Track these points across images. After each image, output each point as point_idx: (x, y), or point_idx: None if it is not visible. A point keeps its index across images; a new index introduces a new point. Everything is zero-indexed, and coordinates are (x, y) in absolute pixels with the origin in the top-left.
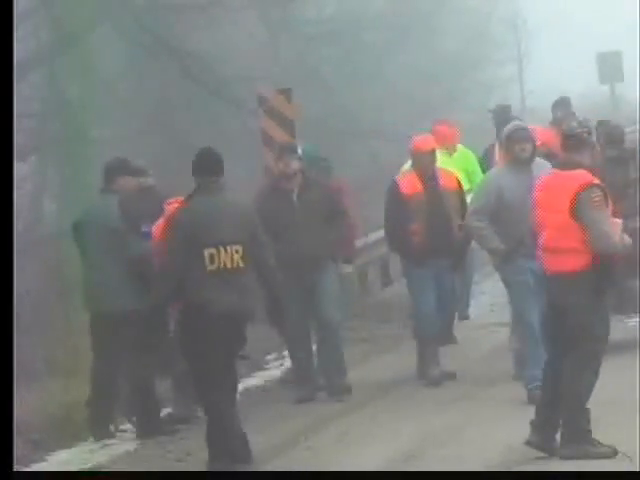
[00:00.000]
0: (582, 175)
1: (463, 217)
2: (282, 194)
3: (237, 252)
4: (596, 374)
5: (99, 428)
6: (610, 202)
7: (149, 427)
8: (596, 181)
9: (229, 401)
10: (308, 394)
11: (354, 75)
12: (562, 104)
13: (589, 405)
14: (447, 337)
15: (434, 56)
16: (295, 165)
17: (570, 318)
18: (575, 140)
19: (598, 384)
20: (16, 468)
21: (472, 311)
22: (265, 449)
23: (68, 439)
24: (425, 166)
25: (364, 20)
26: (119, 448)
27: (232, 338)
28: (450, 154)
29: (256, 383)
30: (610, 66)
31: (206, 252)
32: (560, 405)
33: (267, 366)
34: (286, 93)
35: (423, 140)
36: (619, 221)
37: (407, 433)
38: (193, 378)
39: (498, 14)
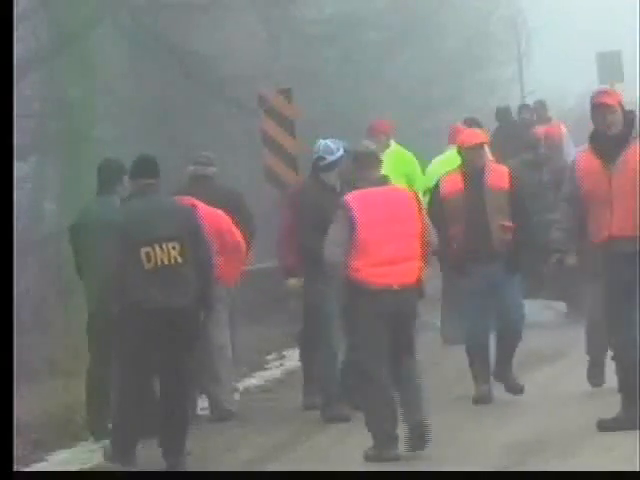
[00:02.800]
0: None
1: (514, 218)
2: (325, 187)
3: (174, 248)
4: None
5: (99, 428)
6: None
7: (149, 427)
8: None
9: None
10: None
11: (354, 75)
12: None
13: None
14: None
15: (434, 56)
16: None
17: None
18: (373, 157)
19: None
20: (16, 468)
21: None
22: (265, 449)
23: (68, 439)
24: (470, 162)
25: (364, 20)
26: None
27: (175, 333)
28: (381, 152)
29: (256, 383)
30: (610, 66)
31: (142, 251)
32: None
33: (267, 366)
34: (286, 93)
35: (469, 134)
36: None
37: None
38: (119, 373)
39: (498, 14)
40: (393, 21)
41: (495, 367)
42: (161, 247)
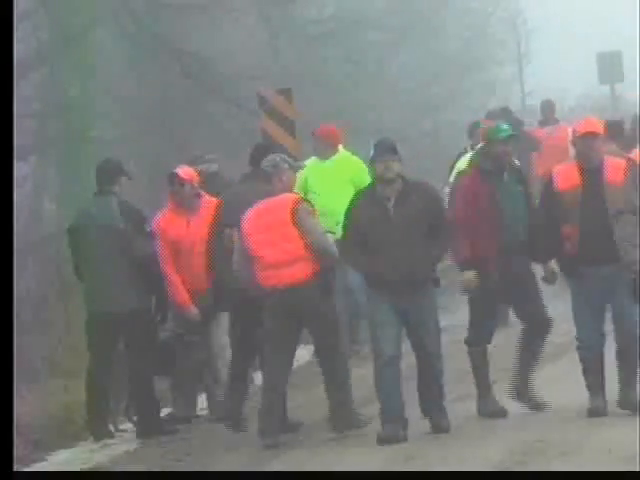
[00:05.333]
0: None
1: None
2: (376, 201)
3: None
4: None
5: (99, 428)
6: None
7: (149, 427)
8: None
9: None
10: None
11: (354, 75)
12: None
13: None
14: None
15: (434, 56)
16: (396, 167)
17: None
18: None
19: None
20: (16, 468)
21: None
22: (265, 449)
23: (68, 439)
24: (588, 154)
25: (365, 20)
26: (119, 448)
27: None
28: (327, 158)
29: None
30: (610, 66)
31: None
32: None
33: None
34: (286, 93)
35: (587, 122)
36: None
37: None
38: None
39: (498, 14)
40: (393, 21)
41: (618, 381)
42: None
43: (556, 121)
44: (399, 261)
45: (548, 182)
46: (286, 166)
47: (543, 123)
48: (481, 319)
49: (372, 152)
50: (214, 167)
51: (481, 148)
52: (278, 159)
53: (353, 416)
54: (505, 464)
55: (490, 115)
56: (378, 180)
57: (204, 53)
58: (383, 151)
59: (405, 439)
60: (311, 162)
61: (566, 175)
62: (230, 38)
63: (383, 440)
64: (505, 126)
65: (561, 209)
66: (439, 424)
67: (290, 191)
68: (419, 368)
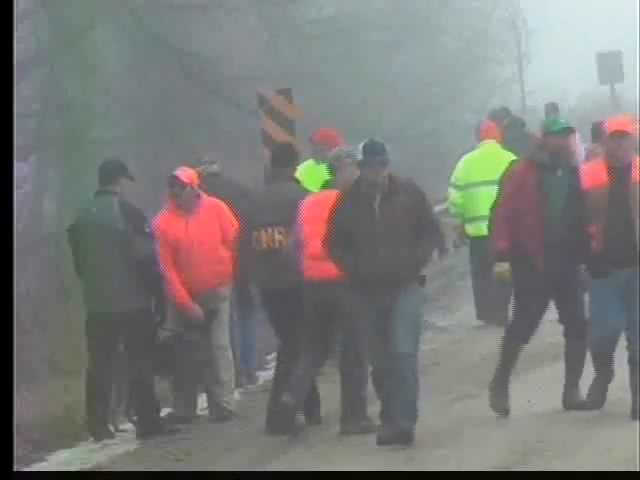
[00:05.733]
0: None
1: None
2: (362, 201)
3: (280, 233)
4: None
5: (99, 428)
6: None
7: (149, 427)
8: None
9: None
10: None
11: (354, 75)
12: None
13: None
14: None
15: (434, 56)
16: (385, 171)
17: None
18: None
19: None
20: (16, 468)
21: (472, 311)
22: (265, 449)
23: (68, 439)
24: (617, 153)
25: (364, 20)
26: (119, 448)
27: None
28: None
29: (260, 383)
30: (610, 66)
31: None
32: None
33: (267, 366)
34: (286, 93)
35: (617, 121)
36: None
37: None
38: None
39: (498, 14)
40: (393, 21)
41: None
42: (266, 231)
43: None
44: (384, 261)
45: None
46: (349, 160)
47: None
48: (524, 315)
49: (361, 154)
50: (214, 168)
51: (537, 141)
52: (341, 153)
53: (365, 420)
54: (505, 464)
55: (495, 114)
56: (368, 183)
57: (204, 53)
58: (373, 155)
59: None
60: (308, 165)
61: (593, 173)
62: (230, 38)
63: (383, 441)
64: (562, 120)
65: (587, 208)
66: (405, 429)
67: (349, 185)
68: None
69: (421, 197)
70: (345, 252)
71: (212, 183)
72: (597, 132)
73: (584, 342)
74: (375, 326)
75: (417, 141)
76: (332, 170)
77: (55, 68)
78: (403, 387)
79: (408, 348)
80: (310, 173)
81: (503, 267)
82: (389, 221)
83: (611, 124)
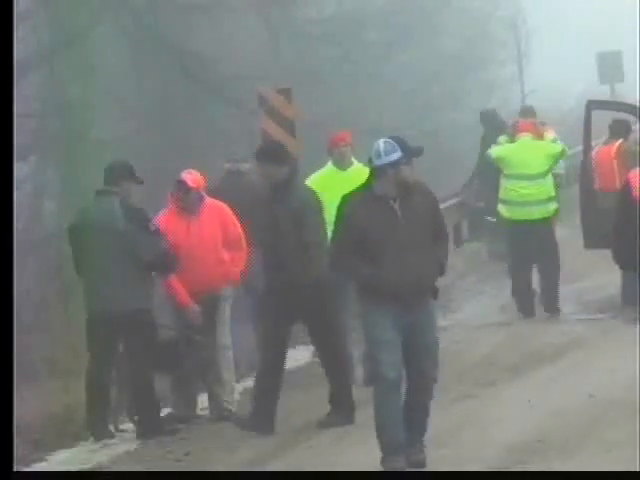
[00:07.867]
0: None
1: None
2: (379, 202)
3: None
4: None
5: (99, 428)
6: None
7: (149, 427)
8: None
9: None
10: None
11: (354, 75)
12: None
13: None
14: None
15: (434, 56)
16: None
17: None
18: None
19: (598, 383)
20: (16, 468)
21: (472, 311)
22: (265, 449)
23: (68, 439)
24: None
25: (364, 20)
26: (119, 448)
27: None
28: (344, 169)
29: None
30: (610, 66)
31: None
32: None
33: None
34: (286, 93)
35: None
36: None
37: None
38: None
39: (498, 14)
40: (393, 21)
41: None
42: None
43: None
44: (408, 268)
45: (624, 187)
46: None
47: None
48: None
49: (382, 153)
50: (244, 167)
51: None
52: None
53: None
54: (505, 464)
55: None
56: (387, 184)
57: (204, 53)
58: (391, 153)
59: (405, 468)
60: (329, 171)
61: None
62: (230, 38)
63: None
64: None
65: (637, 214)
66: (417, 459)
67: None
68: (410, 392)
69: (434, 197)
70: (361, 261)
71: (233, 181)
72: (619, 128)
73: None
74: (395, 339)
75: (417, 141)
76: (373, 174)
77: (55, 68)
78: (424, 414)
79: (435, 372)
80: (332, 180)
81: None
82: (411, 224)
83: None
